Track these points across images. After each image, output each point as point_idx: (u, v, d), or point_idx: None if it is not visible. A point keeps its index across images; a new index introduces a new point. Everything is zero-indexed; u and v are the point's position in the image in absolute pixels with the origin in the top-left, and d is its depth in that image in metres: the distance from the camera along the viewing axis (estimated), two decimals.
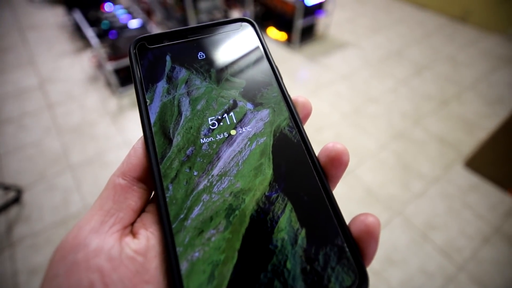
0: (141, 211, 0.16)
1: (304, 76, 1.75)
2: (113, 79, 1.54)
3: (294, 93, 1.60)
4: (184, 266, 0.13)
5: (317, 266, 0.13)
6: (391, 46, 1.99)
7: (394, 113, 1.51)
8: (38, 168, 1.23)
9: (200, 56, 0.19)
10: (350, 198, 1.14)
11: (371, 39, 2.06)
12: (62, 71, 1.75)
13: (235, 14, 2.30)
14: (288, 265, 0.13)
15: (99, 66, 1.68)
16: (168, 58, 0.18)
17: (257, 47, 0.19)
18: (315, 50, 1.95)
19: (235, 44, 0.19)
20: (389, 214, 1.09)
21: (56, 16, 2.23)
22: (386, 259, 0.97)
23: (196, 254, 0.13)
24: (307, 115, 0.18)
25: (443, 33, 2.11)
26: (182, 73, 0.18)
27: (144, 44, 0.18)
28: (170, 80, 0.18)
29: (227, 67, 0.19)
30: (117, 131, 1.40)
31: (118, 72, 1.55)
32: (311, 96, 1.61)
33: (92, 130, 1.40)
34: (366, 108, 1.54)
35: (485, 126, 1.42)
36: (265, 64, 0.19)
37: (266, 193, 0.15)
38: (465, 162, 1.24)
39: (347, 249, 0.14)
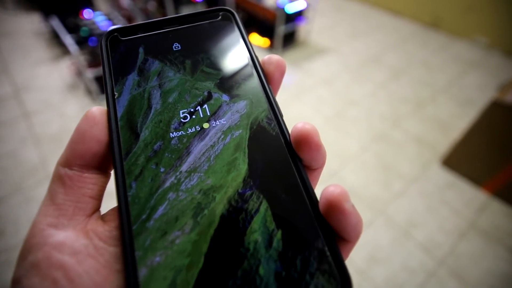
0: (102, 194, 0.15)
1: (287, 81, 1.79)
2: (94, 87, 1.51)
3: (277, 97, 1.63)
4: (142, 272, 0.12)
5: (293, 272, 0.12)
6: (369, 51, 2.07)
7: (374, 116, 1.56)
8: (13, 179, 1.18)
9: (175, 47, 0.18)
10: None
11: (350, 45, 2.13)
12: (39, 79, 1.69)
13: None
14: (261, 271, 0.12)
15: (79, 73, 1.64)
16: (141, 50, 0.17)
17: (237, 37, 0.19)
18: (297, 56, 2.00)
19: (213, 35, 0.19)
20: (372, 214, 1.12)
21: (32, 23, 2.16)
22: (370, 258, 1.00)
23: (157, 258, 0.12)
24: (282, 73, 0.18)
25: (417, 39, 2.22)
26: (155, 65, 0.17)
27: (117, 36, 0.18)
28: (141, 72, 0.17)
29: (203, 58, 0.18)
30: None
31: (98, 79, 1.52)
32: (294, 100, 1.64)
33: None
34: (347, 111, 1.58)
35: (458, 126, 1.50)
36: (244, 54, 0.18)
37: (239, 190, 0.14)
38: (442, 161, 1.30)
39: (328, 253, 0.12)
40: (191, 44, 0.18)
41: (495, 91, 1.70)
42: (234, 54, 0.18)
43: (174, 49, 0.18)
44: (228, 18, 0.19)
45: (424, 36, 2.25)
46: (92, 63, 1.50)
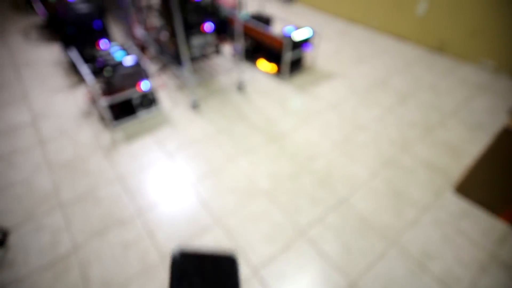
0: None
1: (295, 106, 1.81)
2: (107, 114, 1.56)
3: (285, 122, 1.64)
4: None
5: None
6: (375, 75, 2.09)
7: (382, 141, 1.55)
8: (26, 207, 1.20)
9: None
10: (345, 228, 1.14)
11: (356, 69, 2.17)
12: (55, 106, 1.77)
13: (226, 48, 2.41)
14: None
15: (93, 101, 1.70)
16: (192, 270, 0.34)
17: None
18: (304, 81, 2.03)
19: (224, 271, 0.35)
20: (385, 244, 1.08)
21: (52, 53, 2.29)
22: None
23: None
24: None
25: (423, 63, 2.24)
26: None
27: (179, 257, 0.32)
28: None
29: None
30: (109, 166, 1.39)
31: (112, 107, 1.58)
32: (302, 125, 1.66)
33: (85, 165, 1.38)
34: (356, 136, 1.58)
35: (469, 151, 1.47)
36: None
37: None
38: (455, 188, 1.26)
39: None
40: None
41: (505, 114, 1.68)
42: None
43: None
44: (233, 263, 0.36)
45: (429, 60, 2.27)
46: (106, 92, 1.56)
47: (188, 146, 1.51)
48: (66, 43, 1.97)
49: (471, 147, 1.50)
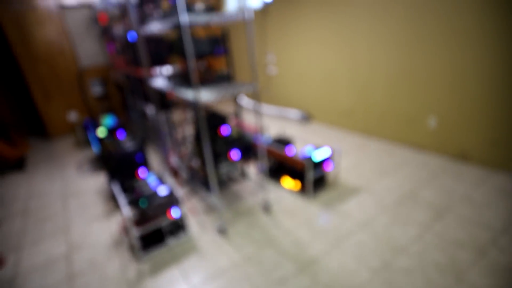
0: None
1: (322, 225, 1.75)
2: (137, 244, 1.59)
3: (315, 245, 1.55)
4: None
5: None
6: (401, 188, 2.06)
7: (429, 267, 1.37)
8: None
9: None
10: None
11: (380, 182, 2.17)
12: (90, 236, 1.84)
13: (251, 168, 2.59)
14: None
15: (125, 231, 1.77)
16: None
17: None
18: (329, 198, 2.03)
19: None
20: None
21: (97, 182, 2.58)
22: None
23: None
24: None
25: (449, 173, 2.21)
26: None
27: None
28: None
29: None
30: None
31: (142, 236, 1.62)
32: (333, 249, 1.55)
33: None
34: (396, 261, 1.43)
35: None
36: None
37: None
38: None
39: None
40: None
41: None
42: None
43: None
44: None
45: (455, 170, 2.25)
46: (139, 221, 1.64)
47: (214, 278, 1.42)
48: (112, 175, 2.24)
49: None
